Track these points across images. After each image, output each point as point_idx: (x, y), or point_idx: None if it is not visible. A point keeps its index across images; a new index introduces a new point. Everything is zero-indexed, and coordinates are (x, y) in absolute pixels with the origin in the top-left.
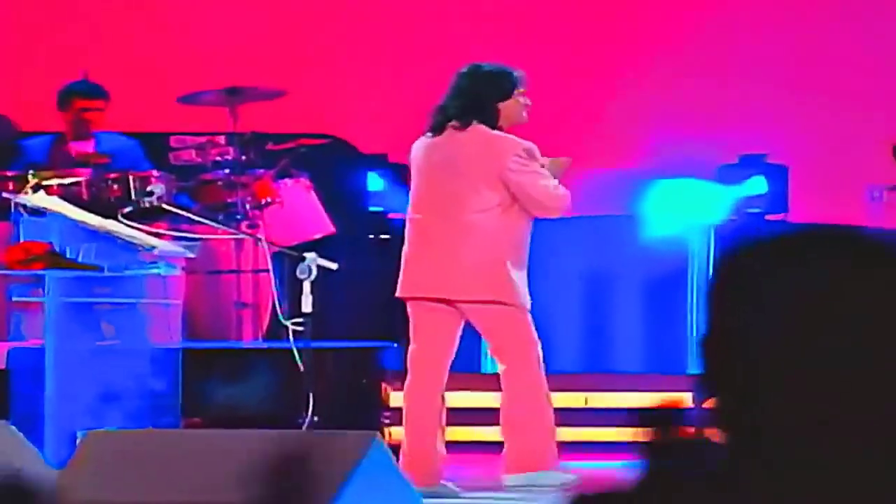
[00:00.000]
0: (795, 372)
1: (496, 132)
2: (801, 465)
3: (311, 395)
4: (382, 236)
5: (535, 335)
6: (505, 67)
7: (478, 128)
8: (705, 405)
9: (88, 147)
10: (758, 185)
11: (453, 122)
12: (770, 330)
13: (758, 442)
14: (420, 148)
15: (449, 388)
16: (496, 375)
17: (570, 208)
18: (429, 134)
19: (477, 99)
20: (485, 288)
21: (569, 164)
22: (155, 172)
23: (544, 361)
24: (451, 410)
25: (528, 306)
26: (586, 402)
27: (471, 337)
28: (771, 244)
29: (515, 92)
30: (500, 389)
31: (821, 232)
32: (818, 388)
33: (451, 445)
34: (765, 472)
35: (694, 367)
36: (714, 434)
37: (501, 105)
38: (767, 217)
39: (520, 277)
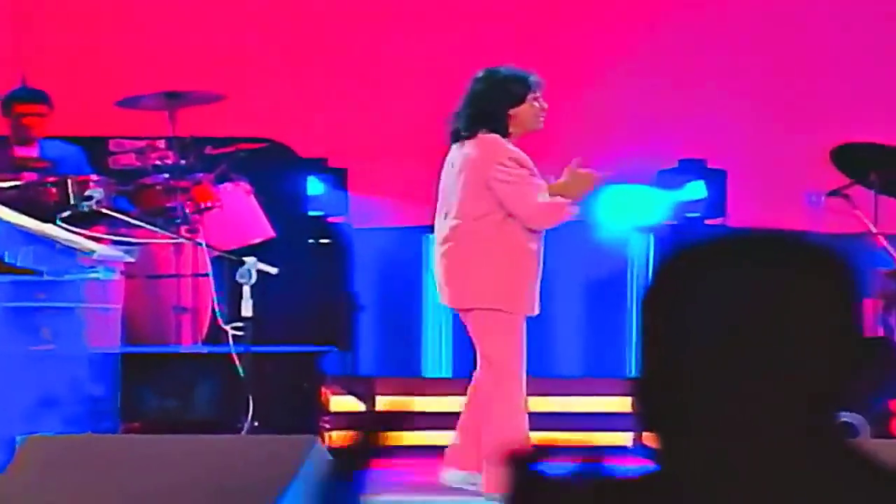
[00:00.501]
0: (728, 375)
1: (490, 138)
2: (734, 467)
3: (250, 399)
4: (322, 240)
5: (517, 343)
6: (519, 72)
7: (480, 136)
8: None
9: (31, 153)
10: (697, 189)
11: (462, 132)
12: (704, 334)
13: (690, 446)
14: (447, 158)
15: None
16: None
17: (563, 221)
18: (451, 144)
19: (487, 106)
20: (459, 296)
21: (597, 179)
22: (94, 177)
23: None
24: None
25: (520, 312)
26: (526, 406)
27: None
28: (703, 249)
29: (529, 97)
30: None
31: (753, 236)
32: (750, 391)
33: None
34: (698, 475)
35: (634, 371)
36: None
37: (513, 111)
38: (706, 221)
39: (516, 284)
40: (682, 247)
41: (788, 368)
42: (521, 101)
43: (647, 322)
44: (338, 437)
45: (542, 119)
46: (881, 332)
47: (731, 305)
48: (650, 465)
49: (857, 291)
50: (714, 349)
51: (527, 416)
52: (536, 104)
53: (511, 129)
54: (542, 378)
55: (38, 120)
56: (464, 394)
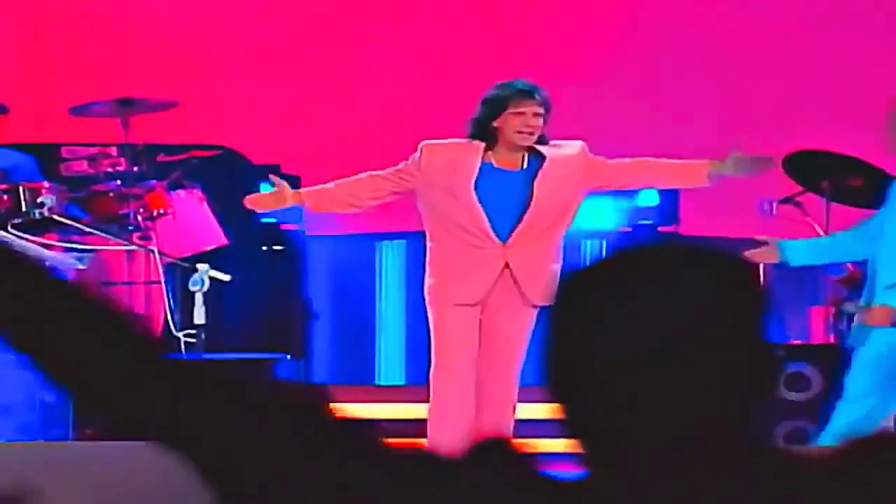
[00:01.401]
0: (640, 389)
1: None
2: (657, 480)
3: None
4: (275, 247)
5: (445, 336)
6: (503, 83)
7: None
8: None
9: None
10: (649, 196)
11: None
12: (613, 347)
13: (612, 457)
14: None
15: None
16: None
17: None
18: None
19: (477, 121)
20: None
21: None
22: (46, 184)
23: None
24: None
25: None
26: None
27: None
28: (611, 262)
29: (508, 108)
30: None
31: (663, 247)
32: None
33: None
34: (624, 486)
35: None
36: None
37: (496, 123)
38: (659, 228)
39: (432, 275)
40: (590, 264)
41: (704, 382)
42: (499, 113)
43: (558, 335)
44: None
45: (518, 133)
46: (832, 339)
47: (644, 319)
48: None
49: (765, 300)
50: (628, 363)
51: (461, 419)
52: (514, 118)
53: (499, 143)
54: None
55: None
56: (418, 400)
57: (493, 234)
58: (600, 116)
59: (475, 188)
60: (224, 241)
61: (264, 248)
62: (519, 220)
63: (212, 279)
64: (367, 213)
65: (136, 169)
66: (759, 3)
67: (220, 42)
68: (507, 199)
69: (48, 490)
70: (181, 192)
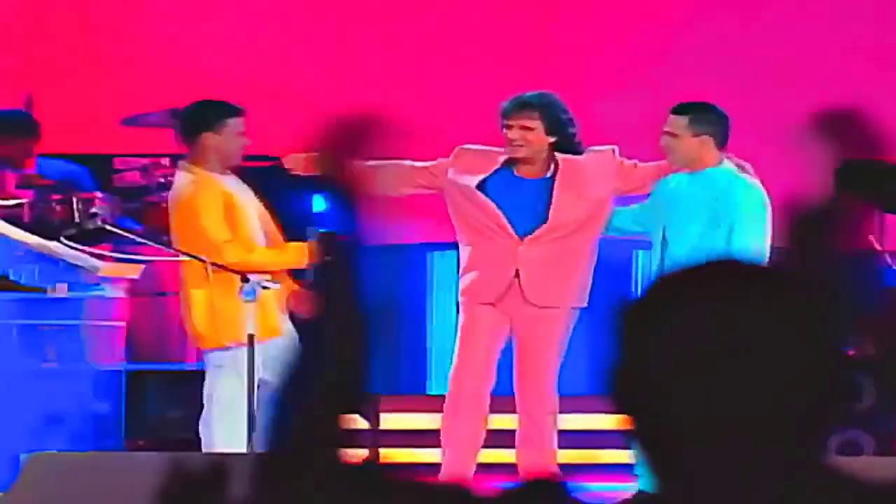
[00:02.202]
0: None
1: None
2: (724, 492)
3: (254, 416)
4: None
5: (459, 340)
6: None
7: None
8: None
9: (30, 172)
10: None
11: None
12: (678, 365)
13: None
14: None
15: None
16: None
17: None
18: None
19: None
20: None
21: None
22: (99, 194)
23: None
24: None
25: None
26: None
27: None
28: (674, 279)
29: (503, 122)
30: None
31: (722, 267)
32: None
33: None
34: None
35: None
36: None
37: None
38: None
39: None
40: (665, 275)
41: (774, 395)
42: (502, 126)
43: (625, 348)
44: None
45: (512, 145)
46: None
47: (713, 333)
48: (641, 488)
49: (838, 318)
50: (696, 381)
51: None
52: (508, 131)
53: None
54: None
55: (12, 149)
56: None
57: (510, 229)
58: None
59: (489, 189)
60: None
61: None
62: (539, 225)
63: (263, 289)
64: (419, 223)
65: None
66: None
67: (277, 52)
68: (526, 204)
69: (101, 500)
70: None
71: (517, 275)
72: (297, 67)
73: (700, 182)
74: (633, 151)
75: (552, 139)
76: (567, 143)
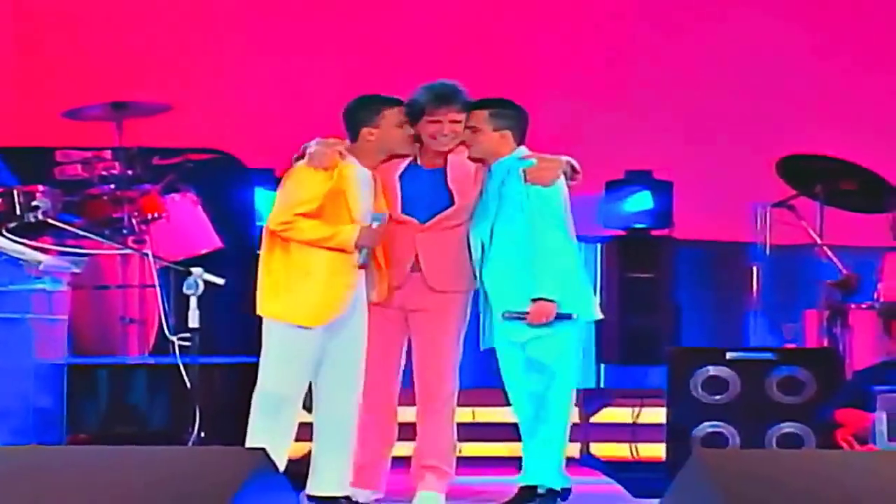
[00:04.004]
0: None
1: None
2: None
3: (197, 410)
4: None
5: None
6: (425, 86)
7: None
8: None
9: None
10: (643, 200)
11: None
12: None
13: None
14: None
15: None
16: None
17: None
18: None
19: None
20: None
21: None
22: (40, 187)
23: None
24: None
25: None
26: (474, 417)
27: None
28: None
29: (425, 115)
30: None
31: None
32: None
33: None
34: None
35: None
36: None
37: (416, 129)
38: (653, 232)
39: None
40: None
41: None
42: (419, 118)
43: None
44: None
45: (436, 138)
46: (826, 343)
47: None
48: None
49: None
50: None
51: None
52: (433, 126)
53: (421, 142)
54: (489, 388)
55: None
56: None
57: (410, 217)
58: (596, 118)
59: (404, 180)
60: (219, 244)
61: (259, 251)
62: (440, 212)
63: (206, 283)
64: None
65: (130, 172)
66: (755, 9)
67: (215, 45)
68: (430, 193)
69: (42, 494)
70: (175, 196)
71: (417, 261)
72: (238, 59)
73: (495, 173)
74: (625, 154)
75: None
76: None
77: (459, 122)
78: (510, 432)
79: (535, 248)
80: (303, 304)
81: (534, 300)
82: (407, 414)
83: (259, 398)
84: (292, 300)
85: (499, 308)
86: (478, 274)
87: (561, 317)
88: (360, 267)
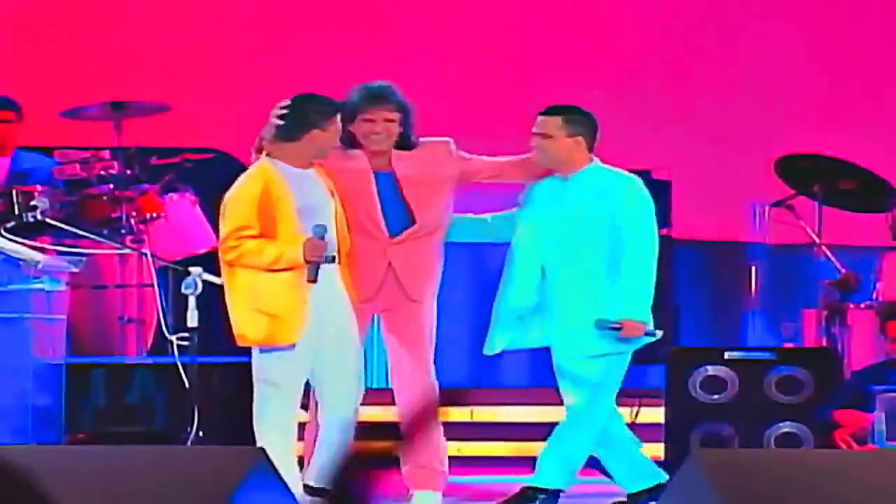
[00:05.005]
0: None
1: None
2: None
3: (196, 410)
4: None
5: None
6: (358, 86)
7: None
8: None
9: (3, 165)
10: None
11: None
12: None
13: None
14: None
15: None
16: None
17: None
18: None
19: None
20: None
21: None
22: (39, 187)
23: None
24: None
25: None
26: (472, 417)
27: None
28: None
29: (358, 115)
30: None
31: None
32: None
33: None
34: None
35: None
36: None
37: (351, 129)
38: None
39: None
40: None
41: None
42: (353, 118)
43: None
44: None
45: (371, 137)
46: (825, 343)
47: None
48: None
49: None
50: None
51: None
52: (367, 124)
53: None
54: (488, 388)
55: (6, 127)
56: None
57: (383, 227)
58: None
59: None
60: (217, 244)
61: None
62: (406, 223)
63: (205, 282)
64: None
65: (128, 172)
66: (754, 10)
67: (213, 45)
68: (390, 205)
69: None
70: (174, 196)
71: (389, 271)
72: (236, 59)
73: (577, 183)
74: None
75: (400, 132)
76: (408, 139)
77: (393, 121)
78: (508, 432)
79: (629, 267)
80: (273, 324)
81: (625, 319)
82: (372, 414)
83: (265, 424)
84: (261, 323)
85: (573, 322)
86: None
87: (647, 335)
88: (310, 282)
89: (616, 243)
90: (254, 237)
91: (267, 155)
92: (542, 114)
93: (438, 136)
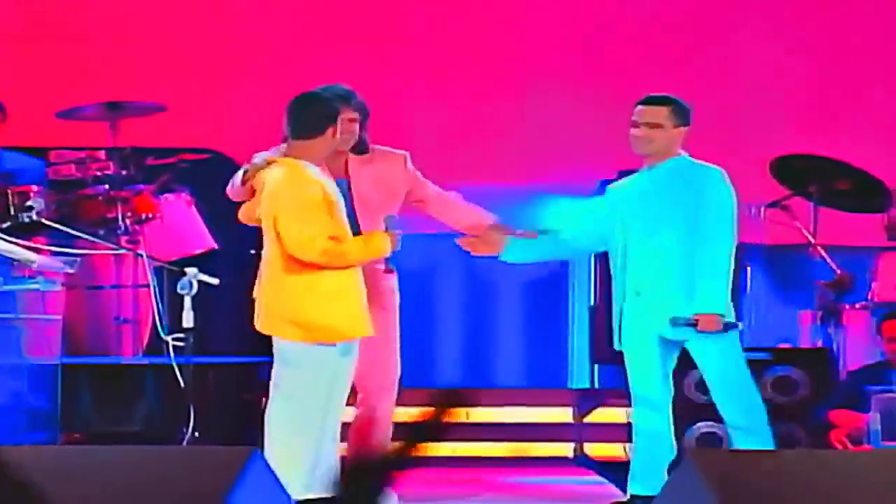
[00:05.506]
0: None
1: None
2: None
3: (191, 410)
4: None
5: None
6: (323, 88)
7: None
8: None
9: None
10: None
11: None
12: None
13: None
14: None
15: None
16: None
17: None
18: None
19: None
20: None
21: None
22: (34, 187)
23: (427, 375)
24: None
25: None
26: (468, 417)
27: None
28: None
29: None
30: None
31: None
32: None
33: None
34: None
35: (573, 382)
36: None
37: None
38: None
39: None
40: None
41: None
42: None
43: None
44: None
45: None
46: (820, 343)
47: None
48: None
49: None
50: None
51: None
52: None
53: None
54: (484, 388)
55: None
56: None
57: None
58: (588, 117)
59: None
60: (212, 244)
61: (253, 251)
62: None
63: (200, 283)
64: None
65: (124, 172)
66: (749, 11)
67: (209, 45)
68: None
69: (36, 494)
70: (169, 196)
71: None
72: (232, 60)
73: (665, 172)
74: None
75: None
76: (364, 141)
77: (355, 121)
78: (505, 433)
79: (708, 260)
80: (340, 321)
81: (700, 314)
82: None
83: (291, 418)
84: (323, 319)
85: (655, 312)
86: (615, 271)
87: (728, 326)
88: (388, 271)
89: (695, 235)
90: (332, 237)
91: (288, 154)
92: (645, 103)
93: (468, 143)
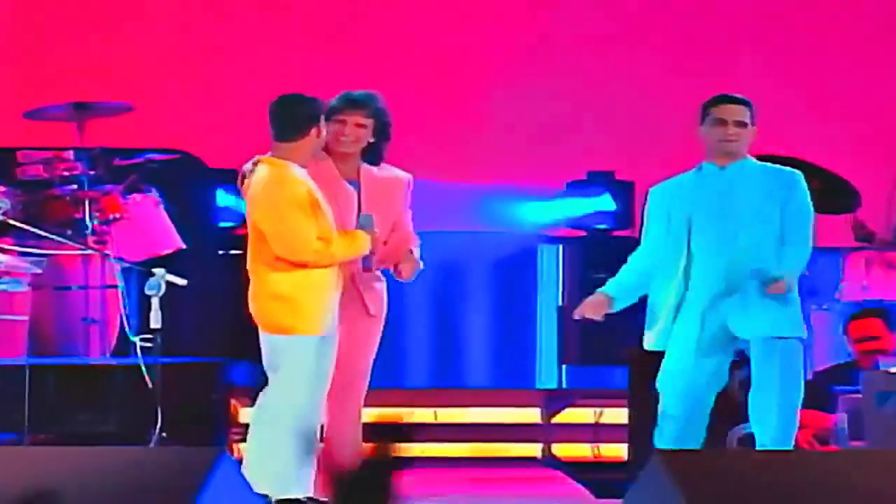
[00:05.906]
0: None
1: None
2: None
3: (159, 411)
4: (232, 252)
5: None
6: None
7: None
8: None
9: None
10: (605, 201)
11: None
12: None
13: None
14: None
15: None
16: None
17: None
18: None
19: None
20: None
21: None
22: (1, 188)
23: (395, 375)
24: None
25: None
26: (436, 418)
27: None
28: None
29: (333, 118)
30: None
31: None
32: None
33: None
34: None
35: (541, 382)
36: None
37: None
38: (614, 233)
39: None
40: None
41: None
42: (329, 121)
43: None
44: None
45: (335, 141)
46: None
47: None
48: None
49: None
50: None
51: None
52: (337, 125)
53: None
54: (451, 389)
55: None
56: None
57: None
58: (559, 118)
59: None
60: (180, 245)
61: (221, 252)
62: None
63: (168, 283)
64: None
65: (91, 173)
66: (718, 12)
67: (176, 46)
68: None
69: (1, 494)
70: (137, 197)
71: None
72: (199, 60)
73: (739, 172)
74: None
75: (371, 141)
76: (377, 150)
77: (364, 126)
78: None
79: (792, 261)
80: (319, 315)
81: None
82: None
83: (290, 414)
84: (308, 314)
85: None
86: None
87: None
88: (367, 270)
89: (778, 232)
90: (321, 238)
91: (272, 156)
92: (729, 102)
93: (436, 140)
